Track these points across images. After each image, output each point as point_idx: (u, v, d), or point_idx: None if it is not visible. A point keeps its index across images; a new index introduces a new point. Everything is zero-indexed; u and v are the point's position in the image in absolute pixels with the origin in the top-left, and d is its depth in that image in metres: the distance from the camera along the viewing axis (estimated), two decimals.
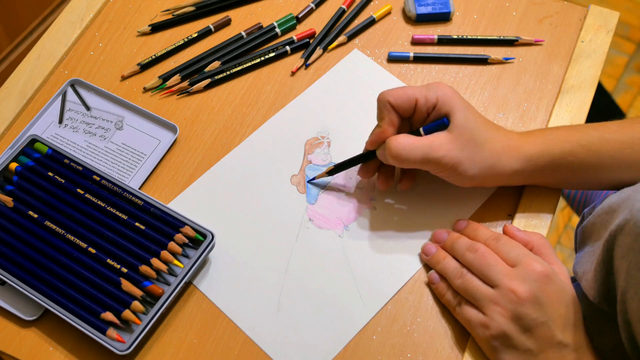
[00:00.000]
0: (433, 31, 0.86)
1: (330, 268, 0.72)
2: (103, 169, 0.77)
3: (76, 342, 0.68)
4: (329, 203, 0.76)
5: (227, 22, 0.87)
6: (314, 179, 0.76)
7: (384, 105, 0.71)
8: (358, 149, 0.76)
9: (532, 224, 0.74)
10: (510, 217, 0.75)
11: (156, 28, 0.86)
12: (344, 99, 0.82)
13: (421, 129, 0.70)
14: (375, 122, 0.72)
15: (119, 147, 0.78)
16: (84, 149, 0.78)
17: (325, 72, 0.83)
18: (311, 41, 0.85)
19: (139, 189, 0.76)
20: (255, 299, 0.70)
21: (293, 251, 0.73)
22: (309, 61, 0.84)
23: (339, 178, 0.77)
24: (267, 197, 0.76)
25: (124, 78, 0.83)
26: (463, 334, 0.69)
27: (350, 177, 0.77)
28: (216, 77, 0.82)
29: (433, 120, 0.71)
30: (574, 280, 0.78)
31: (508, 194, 0.76)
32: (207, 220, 0.73)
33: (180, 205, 0.75)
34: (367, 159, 0.74)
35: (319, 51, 0.84)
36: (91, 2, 0.87)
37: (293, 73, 0.83)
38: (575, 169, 0.71)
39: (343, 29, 0.86)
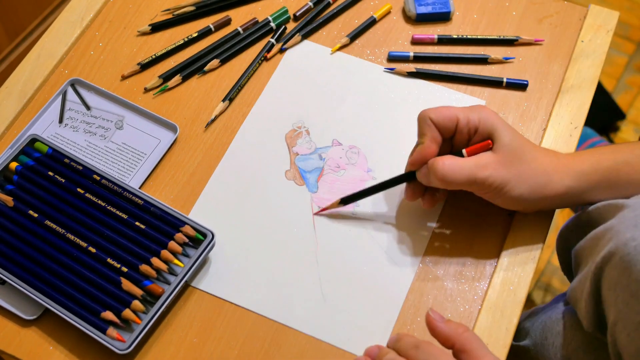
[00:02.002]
0: (433, 31, 0.86)
1: (356, 246, 0.73)
2: (103, 169, 0.77)
3: (76, 341, 0.68)
4: (330, 186, 0.76)
5: (227, 22, 0.87)
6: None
7: (425, 121, 0.68)
8: (335, 130, 0.77)
9: (532, 221, 0.74)
10: (511, 216, 0.75)
11: (156, 28, 0.86)
12: (305, 86, 0.82)
13: (464, 150, 0.68)
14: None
15: (119, 146, 0.78)
16: (84, 149, 0.78)
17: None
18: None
19: (139, 188, 0.76)
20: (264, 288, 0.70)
21: (318, 241, 0.73)
22: (286, 46, 0.84)
23: (331, 161, 0.77)
24: (268, 197, 0.76)
25: (124, 78, 0.83)
26: None
27: (340, 157, 0.77)
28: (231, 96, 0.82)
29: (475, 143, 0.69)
30: (567, 303, 0.77)
31: None
32: (217, 226, 0.73)
33: (200, 214, 0.75)
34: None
35: (297, 38, 0.85)
36: (91, 2, 0.87)
37: (267, 58, 0.83)
38: (630, 181, 0.68)
39: (329, 20, 0.86)
